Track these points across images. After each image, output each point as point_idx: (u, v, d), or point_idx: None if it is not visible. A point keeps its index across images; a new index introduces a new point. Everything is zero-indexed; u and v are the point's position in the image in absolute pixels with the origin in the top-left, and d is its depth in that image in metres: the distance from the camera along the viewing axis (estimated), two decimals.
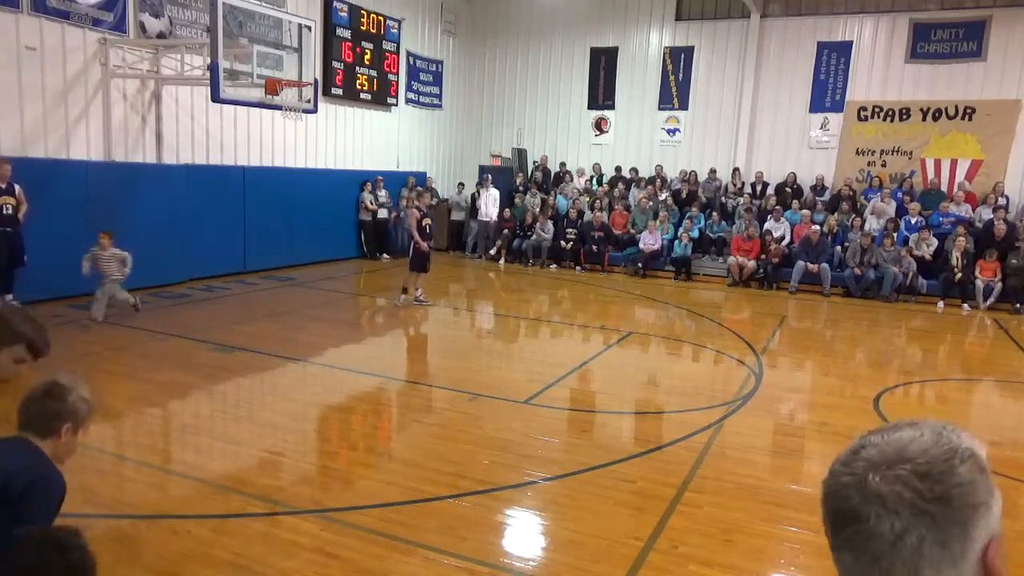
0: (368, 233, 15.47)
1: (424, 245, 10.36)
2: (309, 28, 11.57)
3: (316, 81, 11.89)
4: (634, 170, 17.14)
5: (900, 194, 14.86)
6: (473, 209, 16.83)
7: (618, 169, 17.35)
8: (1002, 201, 14.13)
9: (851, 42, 15.63)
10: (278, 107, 11.11)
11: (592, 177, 17.56)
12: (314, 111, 12.08)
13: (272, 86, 10.64)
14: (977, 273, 12.71)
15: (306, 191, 13.95)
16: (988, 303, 12.50)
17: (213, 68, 9.82)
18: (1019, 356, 9.53)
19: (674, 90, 17.20)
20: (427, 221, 10.60)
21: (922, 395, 7.71)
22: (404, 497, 4.57)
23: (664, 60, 17.21)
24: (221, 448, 5.48)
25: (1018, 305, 12.37)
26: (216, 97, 10.06)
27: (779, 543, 4.27)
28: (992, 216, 13.64)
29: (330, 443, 5.82)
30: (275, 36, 11.55)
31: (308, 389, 6.95)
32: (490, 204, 16.19)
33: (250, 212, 12.78)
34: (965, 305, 12.61)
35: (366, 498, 4.55)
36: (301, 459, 5.20)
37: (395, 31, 16.16)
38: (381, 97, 15.98)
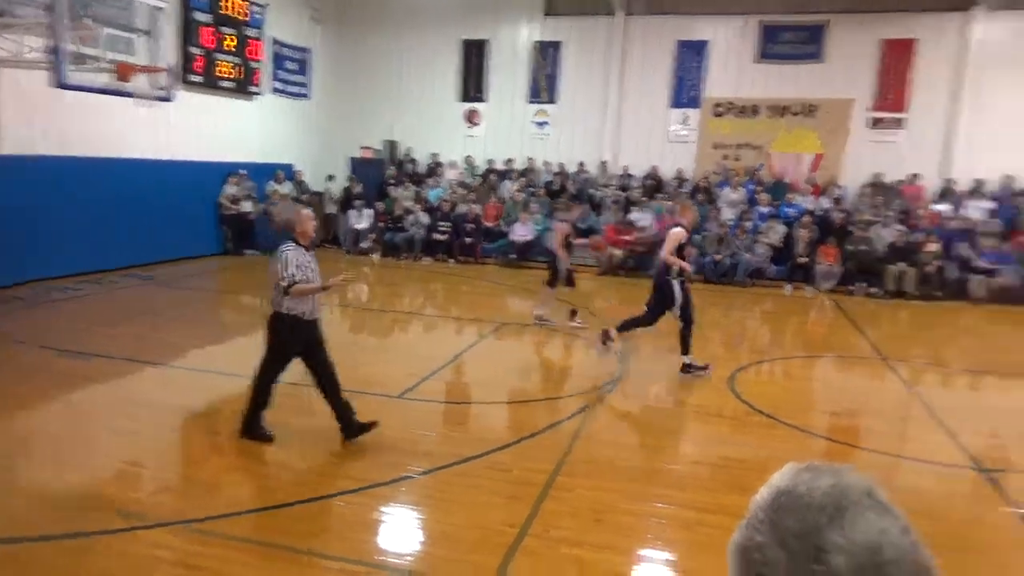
0: (232, 228, 14.83)
1: (565, 262, 9.54)
2: (160, 9, 10.89)
3: (171, 67, 11.23)
4: (510, 161, 17.34)
5: (752, 186, 15.89)
6: (345, 204, 16.51)
7: (490, 162, 17.50)
8: (839, 191, 15.42)
9: (707, 41, 16.49)
10: (129, 94, 10.41)
11: (465, 169, 17.62)
12: (169, 99, 11.39)
13: (124, 71, 9.96)
14: (819, 259, 13.83)
15: (165, 184, 13.15)
16: (829, 286, 13.64)
17: (56, 51, 9.08)
18: (855, 334, 10.46)
19: (543, 84, 17.53)
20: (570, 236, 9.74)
21: (772, 372, 8.33)
22: (275, 501, 4.46)
23: (533, 54, 17.50)
24: (76, 462, 5.12)
25: (852, 288, 13.57)
26: (61, 82, 9.33)
27: (647, 519, 4.50)
28: (831, 205, 14.88)
29: (193, 449, 5.57)
30: (126, 18, 10.79)
31: (168, 394, 6.61)
32: (364, 221, 15.96)
33: (102, 207, 11.91)
34: (808, 288, 13.69)
35: (234, 505, 4.39)
36: (162, 469, 4.96)
37: (259, 16, 15.51)
38: (244, 85, 15.32)
